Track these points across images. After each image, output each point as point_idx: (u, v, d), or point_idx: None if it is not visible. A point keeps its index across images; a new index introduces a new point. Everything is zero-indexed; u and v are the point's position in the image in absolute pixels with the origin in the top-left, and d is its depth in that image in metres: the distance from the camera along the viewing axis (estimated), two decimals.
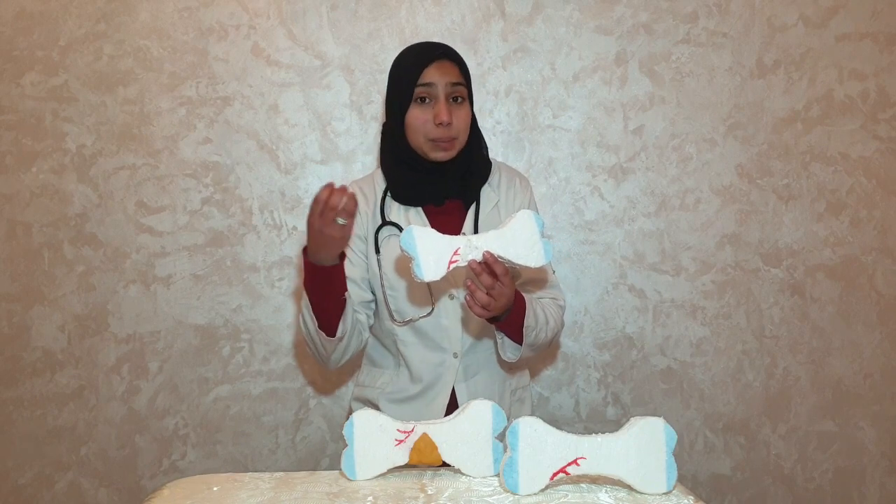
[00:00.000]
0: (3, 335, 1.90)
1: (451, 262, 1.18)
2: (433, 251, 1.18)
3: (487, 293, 1.23)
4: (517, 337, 1.35)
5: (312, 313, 1.32)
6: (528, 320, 1.34)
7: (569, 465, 1.06)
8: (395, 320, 1.42)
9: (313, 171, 1.93)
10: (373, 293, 1.47)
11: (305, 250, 1.28)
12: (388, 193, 1.45)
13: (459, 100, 1.39)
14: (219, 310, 1.92)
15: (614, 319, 1.97)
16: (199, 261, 1.92)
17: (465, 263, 1.19)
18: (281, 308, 1.93)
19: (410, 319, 1.42)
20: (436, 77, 1.36)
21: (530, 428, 1.06)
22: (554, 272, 1.53)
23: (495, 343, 1.40)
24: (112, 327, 1.91)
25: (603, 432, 1.07)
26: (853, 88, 1.96)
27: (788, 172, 1.97)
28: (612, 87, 1.95)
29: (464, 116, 1.39)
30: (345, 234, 1.23)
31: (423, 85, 1.36)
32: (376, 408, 1.45)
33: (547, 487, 1.07)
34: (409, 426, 1.14)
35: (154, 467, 1.93)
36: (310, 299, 1.31)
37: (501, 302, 1.25)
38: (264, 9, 1.90)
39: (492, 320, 1.33)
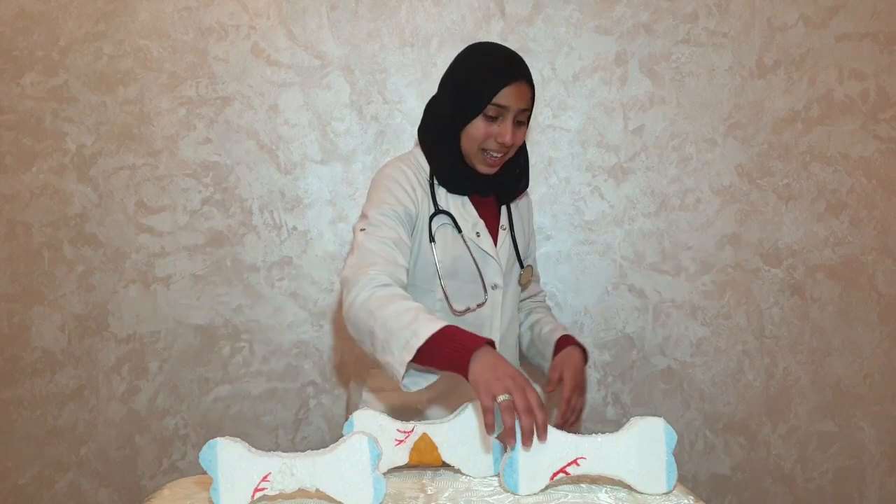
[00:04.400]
0: (3, 335, 1.90)
1: (256, 490, 1.01)
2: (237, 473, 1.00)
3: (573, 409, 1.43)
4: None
5: (413, 352, 1.13)
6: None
7: (569, 464, 1.05)
8: (456, 310, 1.39)
9: (313, 171, 1.93)
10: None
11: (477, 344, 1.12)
12: (436, 180, 1.41)
13: (522, 123, 1.37)
14: (219, 310, 1.92)
15: (614, 319, 1.97)
16: (198, 261, 1.92)
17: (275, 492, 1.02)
18: (281, 308, 1.93)
19: (468, 309, 1.39)
20: (511, 101, 1.32)
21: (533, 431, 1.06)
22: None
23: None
24: (112, 327, 1.91)
25: (603, 432, 1.07)
26: (853, 88, 1.96)
27: (788, 172, 1.96)
28: (612, 87, 1.95)
29: (521, 137, 1.38)
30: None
31: (498, 105, 1.32)
32: (418, 412, 1.40)
33: (547, 487, 1.07)
34: (409, 426, 1.14)
35: (154, 467, 1.93)
36: (427, 355, 1.13)
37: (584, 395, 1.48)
38: (264, 9, 1.90)
39: None
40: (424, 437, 1.13)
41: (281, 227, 1.93)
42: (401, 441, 1.13)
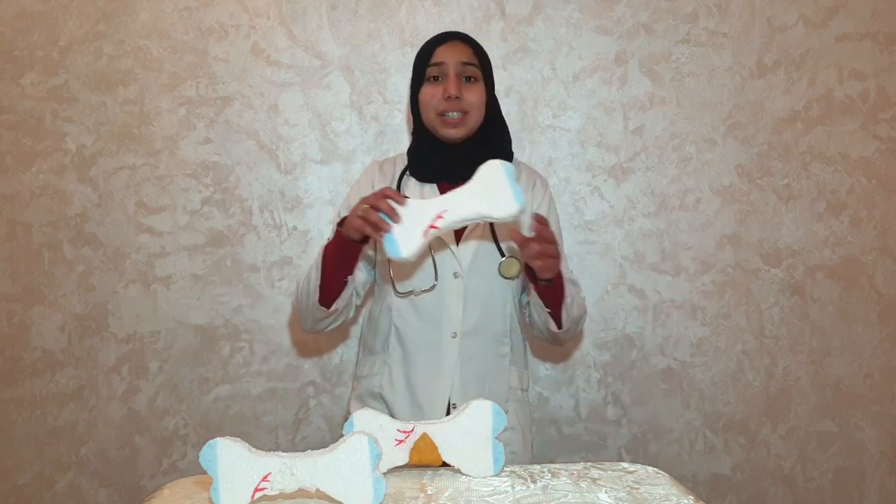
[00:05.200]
0: (3, 335, 1.90)
1: (257, 490, 1.01)
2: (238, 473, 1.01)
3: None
4: (556, 307, 1.40)
5: (318, 282, 1.37)
6: (567, 285, 1.40)
7: (435, 220, 1.22)
8: (398, 292, 1.43)
9: (313, 171, 1.93)
10: (372, 272, 1.54)
11: (342, 222, 1.35)
12: (407, 171, 1.50)
13: (472, 80, 1.43)
14: (219, 310, 1.92)
15: (614, 319, 1.97)
16: (199, 261, 1.92)
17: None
18: (281, 308, 1.93)
19: (411, 292, 1.42)
20: (447, 56, 1.42)
21: (391, 203, 1.24)
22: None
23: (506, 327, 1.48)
24: (112, 327, 1.91)
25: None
26: (853, 88, 1.96)
27: (788, 172, 1.97)
28: (612, 87, 1.95)
29: (476, 93, 1.43)
30: (375, 227, 1.26)
31: (435, 64, 1.42)
32: (380, 399, 1.46)
33: (421, 246, 1.22)
34: (409, 426, 1.14)
35: (154, 467, 1.93)
36: (323, 267, 1.37)
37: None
38: (264, 9, 1.90)
39: (545, 292, 1.39)
40: (424, 436, 1.13)
41: (281, 227, 1.93)
42: (401, 441, 1.13)
